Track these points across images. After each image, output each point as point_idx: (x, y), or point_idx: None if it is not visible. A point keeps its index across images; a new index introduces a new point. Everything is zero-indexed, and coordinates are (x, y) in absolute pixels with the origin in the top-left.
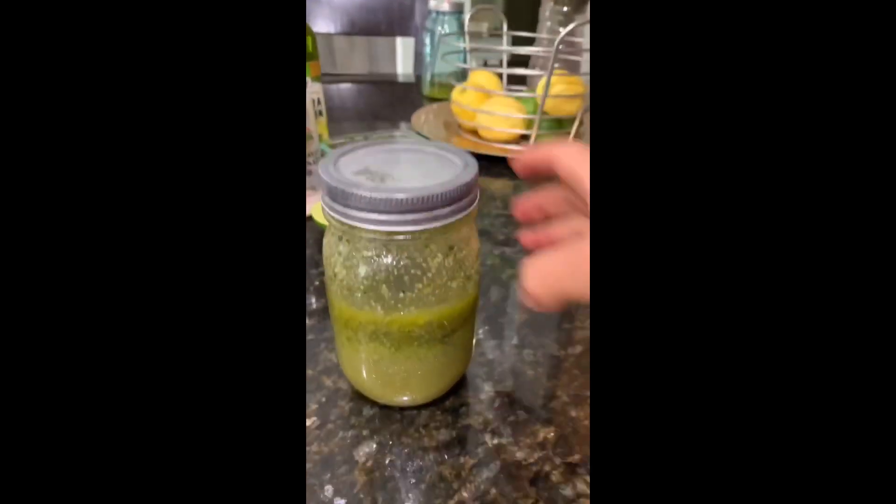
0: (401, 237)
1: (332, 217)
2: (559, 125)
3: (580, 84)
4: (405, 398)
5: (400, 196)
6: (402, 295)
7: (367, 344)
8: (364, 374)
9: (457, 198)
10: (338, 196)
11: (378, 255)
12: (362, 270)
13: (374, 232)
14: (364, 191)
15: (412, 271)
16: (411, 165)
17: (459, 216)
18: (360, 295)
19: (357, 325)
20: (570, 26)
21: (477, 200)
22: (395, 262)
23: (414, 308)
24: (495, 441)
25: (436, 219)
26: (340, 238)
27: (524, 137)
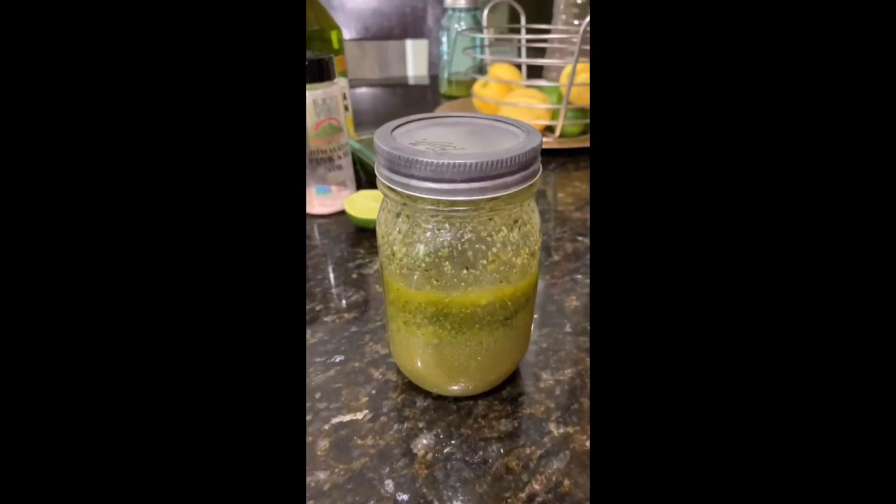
0: (464, 207)
1: (392, 189)
2: (585, 115)
3: None
4: (461, 386)
5: (466, 161)
6: (465, 272)
7: (425, 327)
8: (419, 361)
9: (524, 164)
10: (399, 165)
11: (440, 229)
12: (424, 247)
13: (438, 202)
14: (428, 157)
15: (476, 246)
16: (470, 136)
17: (526, 184)
18: (420, 274)
19: (415, 307)
20: None
21: (541, 171)
22: (458, 237)
23: (476, 287)
24: (562, 430)
25: (504, 186)
26: (398, 214)
27: (549, 129)
